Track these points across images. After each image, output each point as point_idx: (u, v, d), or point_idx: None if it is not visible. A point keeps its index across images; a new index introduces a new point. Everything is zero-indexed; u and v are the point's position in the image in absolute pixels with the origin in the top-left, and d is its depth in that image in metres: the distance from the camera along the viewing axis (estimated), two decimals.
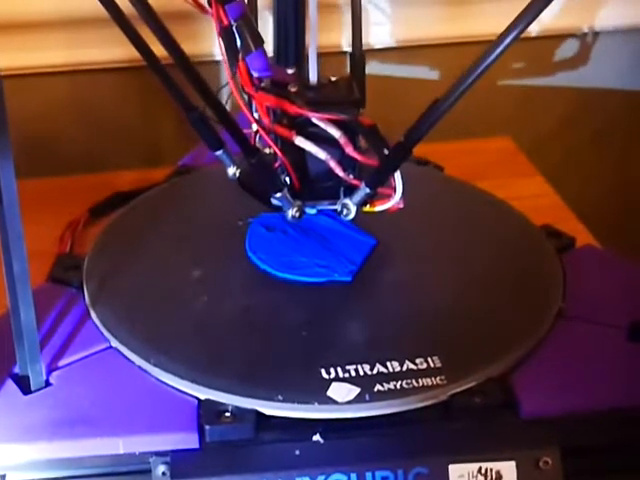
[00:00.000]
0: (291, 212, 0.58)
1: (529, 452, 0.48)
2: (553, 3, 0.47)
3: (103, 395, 0.52)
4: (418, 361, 0.53)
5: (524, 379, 0.52)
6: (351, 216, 0.58)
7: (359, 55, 0.64)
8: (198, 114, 0.56)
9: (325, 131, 0.56)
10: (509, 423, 0.51)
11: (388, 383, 0.51)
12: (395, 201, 0.57)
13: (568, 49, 0.96)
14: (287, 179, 0.58)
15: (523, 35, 0.48)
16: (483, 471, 0.48)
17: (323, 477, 0.48)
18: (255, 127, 0.58)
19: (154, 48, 0.55)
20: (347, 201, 0.58)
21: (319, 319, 0.57)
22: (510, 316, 0.57)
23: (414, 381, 0.51)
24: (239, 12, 0.53)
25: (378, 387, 0.51)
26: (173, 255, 0.63)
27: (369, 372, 0.52)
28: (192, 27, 0.74)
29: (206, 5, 0.53)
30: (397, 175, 0.56)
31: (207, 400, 0.51)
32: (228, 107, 0.57)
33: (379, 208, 0.58)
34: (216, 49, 0.54)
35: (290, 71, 0.59)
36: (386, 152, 0.55)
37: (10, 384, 0.52)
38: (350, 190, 0.58)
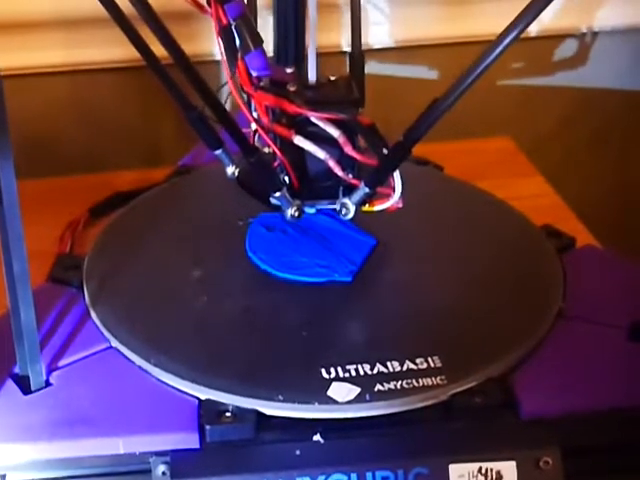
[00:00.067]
0: (290, 211, 0.58)
1: (529, 452, 0.48)
2: (552, 3, 0.47)
3: (103, 395, 0.52)
4: (418, 361, 0.53)
5: (524, 379, 0.52)
6: (350, 215, 0.58)
7: (358, 54, 0.64)
8: (197, 113, 0.56)
9: (324, 130, 0.56)
10: (509, 423, 0.51)
11: (388, 383, 0.51)
12: (394, 201, 0.57)
13: (567, 49, 0.96)
14: (286, 178, 0.58)
15: (522, 35, 0.48)
16: (483, 471, 0.48)
17: (323, 477, 0.48)
18: (254, 126, 0.58)
19: (154, 48, 0.55)
20: (346, 200, 0.58)
21: (319, 319, 0.57)
22: (510, 316, 0.57)
23: (414, 381, 0.51)
24: (238, 11, 0.53)
25: (378, 387, 0.51)
26: (173, 255, 0.63)
27: (369, 372, 0.52)
28: (192, 27, 0.74)
29: (205, 5, 0.53)
30: (396, 175, 0.56)
31: (207, 400, 0.51)
32: (228, 107, 0.57)
33: (378, 208, 0.58)
34: (216, 49, 0.54)
35: (289, 70, 0.59)
36: (385, 152, 0.55)
37: (10, 384, 0.52)
38: (349, 189, 0.58)
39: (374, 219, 0.59)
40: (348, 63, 0.64)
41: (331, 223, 0.63)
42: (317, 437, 0.49)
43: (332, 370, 0.52)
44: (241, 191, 0.60)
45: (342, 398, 0.50)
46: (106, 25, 0.55)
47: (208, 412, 0.50)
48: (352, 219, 0.60)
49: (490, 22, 0.83)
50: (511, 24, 0.48)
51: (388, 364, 0.52)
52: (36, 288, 0.52)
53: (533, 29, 0.89)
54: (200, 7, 0.53)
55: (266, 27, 0.62)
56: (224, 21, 0.53)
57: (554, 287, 0.60)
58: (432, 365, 0.52)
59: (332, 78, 0.59)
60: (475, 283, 0.60)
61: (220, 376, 0.52)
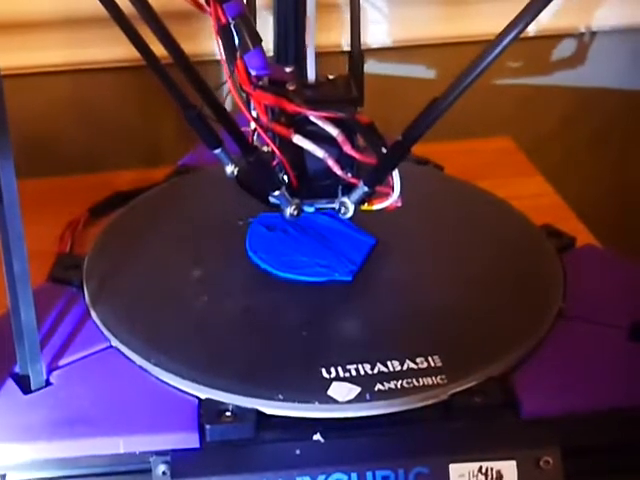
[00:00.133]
0: (289, 210, 0.58)
1: (530, 452, 0.48)
2: (552, 3, 0.47)
3: (103, 395, 0.52)
4: (419, 360, 0.53)
5: (524, 379, 0.52)
6: (349, 214, 0.58)
7: (357, 53, 0.64)
8: (196, 112, 0.56)
9: (323, 129, 0.56)
10: (509, 423, 0.51)
11: (389, 382, 0.51)
12: (393, 200, 0.57)
13: (567, 49, 0.96)
14: (285, 177, 0.58)
15: (522, 35, 0.48)
16: (484, 470, 0.48)
17: (324, 477, 0.48)
18: (253, 125, 0.58)
19: (153, 47, 0.55)
20: (345, 199, 0.58)
21: (319, 319, 0.57)
22: (510, 316, 0.57)
23: (414, 380, 0.51)
24: (237, 10, 0.53)
25: (379, 386, 0.51)
26: (173, 255, 0.63)
27: (369, 371, 0.52)
28: (192, 26, 0.74)
29: (204, 4, 0.53)
30: (395, 174, 0.56)
31: (207, 399, 0.51)
32: (228, 106, 0.57)
33: (377, 207, 0.58)
34: (216, 48, 0.54)
35: (288, 69, 0.59)
36: (384, 151, 0.55)
37: (10, 384, 0.52)
38: (348, 188, 0.58)
39: (374, 219, 0.59)
40: (347, 62, 0.64)
41: (331, 223, 0.63)
42: (317, 436, 0.49)
43: (332, 370, 0.52)
44: (241, 191, 0.60)
45: (342, 398, 0.50)
46: (107, 25, 0.55)
47: (208, 411, 0.50)
48: (352, 218, 0.60)
49: (488, 22, 0.84)
50: (510, 24, 0.48)
51: (388, 364, 0.52)
52: (36, 288, 0.52)
53: (532, 29, 0.89)
54: (199, 6, 0.53)
55: (265, 27, 0.62)
56: (223, 20, 0.53)
57: (554, 287, 0.60)
58: (432, 365, 0.52)
59: (331, 77, 0.59)
60: (475, 283, 0.60)
61: (220, 376, 0.52)
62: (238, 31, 0.54)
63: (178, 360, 0.53)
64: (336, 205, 0.58)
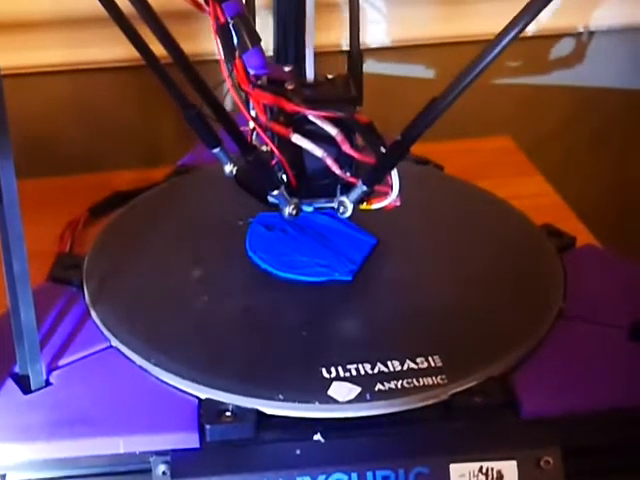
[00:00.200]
0: (288, 210, 0.58)
1: (530, 452, 0.48)
2: (551, 2, 0.47)
3: (103, 395, 0.52)
4: (419, 360, 0.53)
5: (525, 379, 0.52)
6: (348, 214, 0.58)
7: (356, 53, 0.64)
8: (195, 112, 0.56)
9: (322, 129, 0.56)
10: (510, 423, 0.50)
11: (389, 382, 0.51)
12: (392, 199, 0.57)
13: (567, 48, 0.96)
14: (284, 177, 0.58)
15: (522, 34, 0.48)
16: (484, 470, 0.48)
17: (324, 477, 0.48)
18: (252, 125, 0.58)
19: (153, 47, 0.55)
20: (344, 199, 0.58)
21: (319, 318, 0.57)
22: (511, 316, 0.57)
23: (415, 380, 0.51)
24: (236, 10, 0.53)
25: (379, 386, 0.51)
26: (173, 255, 0.63)
27: (370, 371, 0.52)
28: (192, 26, 0.74)
29: (203, 3, 0.53)
30: (394, 173, 0.56)
31: (207, 399, 0.51)
32: (228, 105, 0.57)
33: (376, 206, 0.58)
34: (215, 48, 0.54)
35: (287, 69, 0.59)
36: (383, 150, 0.55)
37: (10, 384, 0.52)
38: (347, 188, 0.58)
39: (374, 218, 0.59)
40: (346, 61, 0.64)
41: (331, 222, 0.63)
42: (317, 436, 0.49)
43: (332, 369, 0.52)
44: (241, 190, 0.60)
45: (342, 397, 0.50)
46: (106, 24, 0.55)
47: (208, 411, 0.50)
48: (352, 218, 0.60)
49: (487, 22, 0.84)
50: (510, 24, 0.48)
51: (388, 363, 0.52)
52: (36, 288, 0.52)
53: (531, 28, 0.89)
54: (199, 6, 0.53)
55: (265, 27, 0.62)
56: (222, 19, 0.53)
57: (554, 287, 0.60)
58: (432, 365, 0.52)
59: (330, 77, 0.59)
60: (475, 282, 0.60)
61: (220, 375, 0.51)
62: (237, 30, 0.54)
63: (178, 360, 0.53)
64: (335, 204, 0.58)
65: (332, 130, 0.56)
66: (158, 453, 0.48)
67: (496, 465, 0.48)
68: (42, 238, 0.65)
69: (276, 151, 0.57)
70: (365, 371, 0.52)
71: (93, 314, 0.58)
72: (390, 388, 0.51)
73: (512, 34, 0.48)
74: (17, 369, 0.52)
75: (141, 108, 0.89)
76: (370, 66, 0.89)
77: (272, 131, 0.57)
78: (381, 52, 0.90)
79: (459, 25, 0.90)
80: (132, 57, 0.57)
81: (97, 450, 0.49)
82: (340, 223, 0.62)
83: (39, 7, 0.80)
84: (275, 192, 0.57)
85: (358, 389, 0.51)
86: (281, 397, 0.50)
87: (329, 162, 0.56)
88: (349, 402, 0.50)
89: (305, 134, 0.56)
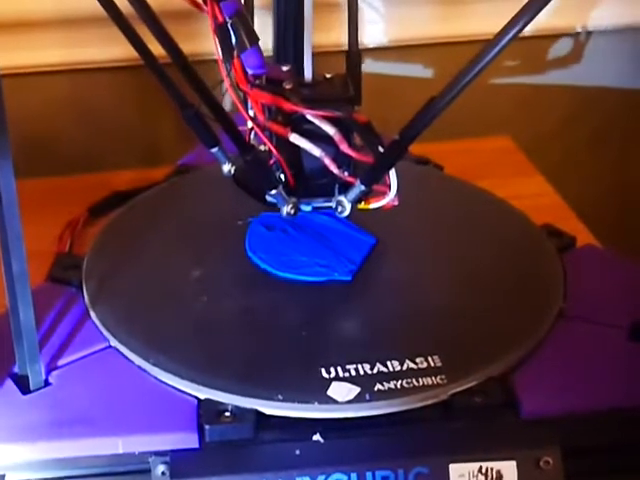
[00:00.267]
0: (286, 209, 0.58)
1: (530, 452, 0.48)
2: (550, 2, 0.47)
3: (102, 395, 0.52)
4: (418, 360, 0.53)
5: (525, 379, 0.52)
6: (346, 213, 0.58)
7: (355, 52, 0.64)
8: (193, 111, 0.56)
9: (320, 128, 0.56)
10: (510, 423, 0.50)
11: (388, 382, 0.51)
12: (390, 198, 0.57)
13: (566, 48, 0.96)
14: (282, 176, 0.58)
15: (522, 34, 0.48)
16: (484, 471, 0.48)
17: (323, 477, 0.48)
18: (250, 124, 0.58)
19: (151, 47, 0.55)
20: (342, 198, 0.58)
21: (319, 318, 0.57)
22: (510, 315, 0.57)
23: (414, 380, 0.51)
24: (234, 9, 0.53)
25: (378, 386, 0.51)
26: (173, 255, 0.63)
27: (369, 371, 0.52)
28: (192, 26, 0.73)
29: (202, 3, 0.53)
30: (392, 172, 0.56)
31: (207, 400, 0.51)
32: (227, 105, 0.57)
33: (374, 205, 0.58)
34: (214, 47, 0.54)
35: (285, 68, 0.59)
36: (381, 150, 0.55)
37: (9, 384, 0.52)
38: (345, 187, 0.58)
39: (374, 218, 0.59)
40: (345, 61, 0.64)
41: (331, 222, 0.63)
42: (317, 437, 0.49)
43: (332, 370, 0.52)
44: (240, 190, 0.60)
45: (342, 398, 0.50)
46: (105, 24, 0.55)
47: (207, 412, 0.50)
48: (352, 218, 0.60)
49: (485, 22, 0.84)
50: (508, 24, 0.48)
51: (388, 363, 0.52)
52: (35, 288, 0.52)
53: (529, 28, 0.89)
54: (197, 5, 0.53)
55: (264, 27, 0.62)
56: (220, 19, 0.53)
57: (554, 287, 0.60)
58: (432, 364, 0.52)
59: (328, 76, 0.59)
60: (475, 282, 0.60)
61: (219, 376, 0.51)
62: (235, 30, 0.53)
63: (177, 360, 0.53)
64: (333, 204, 0.58)
65: (330, 129, 0.56)
66: (157, 453, 0.48)
67: (496, 465, 0.48)
68: (41, 238, 0.65)
69: (274, 150, 0.57)
70: (364, 371, 0.52)
71: (92, 314, 0.58)
72: (390, 388, 0.51)
73: (511, 34, 0.47)
74: (16, 369, 0.52)
75: (140, 108, 0.89)
76: (368, 66, 0.89)
77: (270, 131, 0.57)
78: (379, 52, 0.90)
79: (457, 25, 0.90)
80: (131, 57, 0.57)
81: (96, 450, 0.49)
82: (339, 223, 0.62)
83: (38, 7, 0.80)
84: (273, 191, 0.57)
85: (357, 389, 0.51)
86: (280, 397, 0.50)
87: (327, 161, 0.56)
88: (348, 402, 0.50)
89: (303, 133, 0.56)
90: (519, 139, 0.87)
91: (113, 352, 0.55)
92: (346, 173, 0.57)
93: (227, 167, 0.59)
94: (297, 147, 0.56)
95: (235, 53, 0.54)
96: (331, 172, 0.57)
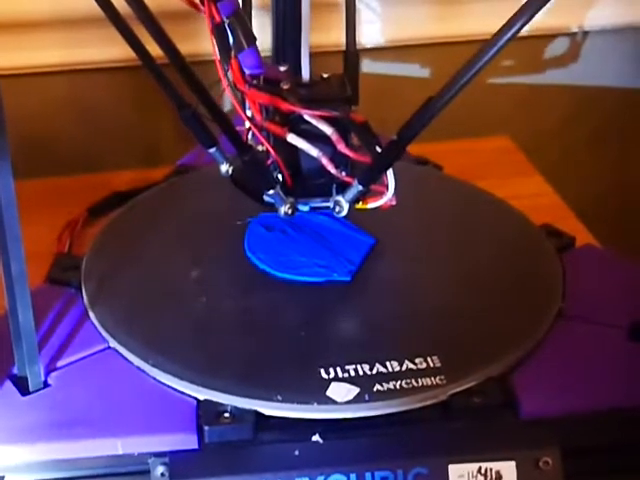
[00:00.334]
0: (283, 209, 0.58)
1: (529, 452, 0.48)
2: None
3: (101, 396, 0.51)
4: (417, 361, 0.53)
5: (524, 379, 0.52)
6: (344, 213, 0.58)
7: (353, 52, 0.64)
8: (191, 112, 0.56)
9: (317, 128, 0.56)
10: (509, 423, 0.50)
11: (387, 383, 0.51)
12: (388, 198, 0.57)
13: (565, 48, 0.96)
14: (279, 176, 0.58)
15: (521, 34, 0.48)
16: (483, 471, 0.48)
17: (322, 477, 0.47)
18: (248, 124, 0.58)
19: (149, 47, 0.55)
20: (339, 198, 0.58)
21: (318, 319, 0.57)
22: (510, 316, 0.57)
23: (413, 381, 0.51)
24: (231, 9, 0.53)
25: (377, 387, 0.51)
26: (172, 255, 0.63)
27: (368, 372, 0.52)
28: (190, 26, 0.73)
29: (199, 3, 0.53)
30: (389, 172, 0.56)
31: (206, 401, 0.51)
32: (226, 105, 0.57)
33: (372, 205, 0.58)
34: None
35: (282, 68, 0.59)
36: (379, 149, 0.55)
37: (8, 385, 0.52)
38: (342, 187, 0.58)
39: (373, 218, 0.59)
40: (343, 61, 0.64)
41: (330, 223, 0.63)
42: (316, 437, 0.49)
43: (331, 370, 0.52)
44: (239, 191, 0.60)
45: (341, 398, 0.50)
46: (103, 25, 0.55)
47: (207, 413, 0.50)
48: (351, 218, 0.60)
49: (482, 22, 0.84)
50: (506, 24, 0.48)
51: (387, 364, 0.52)
52: (34, 289, 0.52)
53: (527, 28, 0.89)
54: (194, 5, 0.53)
55: (263, 27, 0.62)
56: (217, 19, 0.53)
57: (554, 287, 0.60)
58: (431, 365, 0.52)
59: (325, 76, 0.59)
60: (474, 282, 0.60)
61: (219, 376, 0.51)
62: (232, 30, 0.54)
63: (176, 361, 0.53)
64: (330, 204, 0.58)
65: (327, 129, 0.56)
66: (157, 454, 0.48)
67: (495, 466, 0.48)
68: (40, 239, 0.64)
69: (272, 151, 0.57)
70: (364, 372, 0.52)
71: (91, 315, 0.57)
72: (389, 389, 0.51)
73: (509, 34, 0.47)
74: (15, 370, 0.52)
75: (139, 108, 0.89)
76: (365, 66, 0.89)
77: (268, 131, 0.57)
78: (376, 52, 0.90)
79: (454, 25, 0.90)
80: (130, 57, 0.57)
81: (95, 451, 0.49)
82: (339, 223, 0.62)
83: (36, 7, 0.80)
84: (271, 192, 0.57)
85: (357, 390, 0.51)
86: (279, 398, 0.50)
87: (324, 161, 0.56)
88: (348, 403, 0.50)
89: (300, 133, 0.56)
90: (518, 139, 0.87)
91: (112, 353, 0.55)
92: (344, 173, 0.57)
93: (225, 167, 0.59)
94: (295, 147, 0.56)
95: (233, 53, 0.54)
96: (329, 172, 0.57)
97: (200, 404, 0.50)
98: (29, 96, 0.85)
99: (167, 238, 0.64)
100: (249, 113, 0.57)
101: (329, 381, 0.51)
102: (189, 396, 0.51)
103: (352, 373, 0.52)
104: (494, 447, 0.49)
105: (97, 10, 0.53)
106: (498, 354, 0.54)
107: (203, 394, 0.51)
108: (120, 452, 0.49)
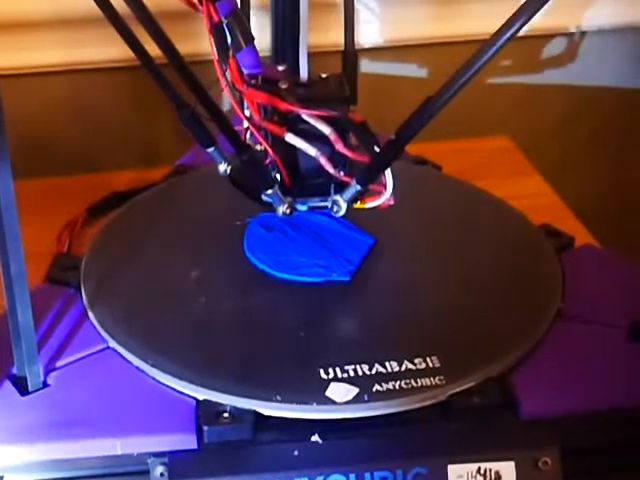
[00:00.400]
0: (282, 209, 0.58)
1: (528, 452, 0.48)
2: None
3: (101, 396, 0.51)
4: (417, 361, 0.53)
5: (523, 379, 0.52)
6: (342, 213, 0.58)
7: (351, 52, 0.64)
8: (189, 111, 0.56)
9: (315, 128, 0.56)
10: (508, 423, 0.50)
11: (387, 383, 0.51)
12: (386, 198, 0.57)
13: (560, 48, 0.96)
14: (278, 176, 0.58)
15: (520, 34, 0.48)
16: (482, 471, 0.48)
17: (322, 478, 0.47)
18: (246, 124, 0.58)
19: (148, 47, 0.55)
20: (338, 198, 0.58)
21: (317, 319, 0.57)
22: (509, 316, 0.57)
23: (413, 381, 0.51)
24: (229, 9, 0.53)
25: (377, 387, 0.51)
26: (171, 255, 0.63)
27: (368, 372, 0.52)
28: (189, 26, 0.74)
29: (197, 3, 0.53)
30: (388, 172, 0.56)
31: (205, 401, 0.51)
32: (225, 106, 0.57)
33: (370, 205, 0.58)
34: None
35: (281, 68, 0.59)
36: (377, 149, 0.55)
37: (8, 385, 0.52)
38: (341, 187, 0.58)
39: (372, 218, 0.59)
40: (341, 61, 0.64)
41: (329, 223, 0.63)
42: (315, 437, 0.49)
43: (330, 370, 0.52)
44: (238, 191, 0.60)
45: (340, 398, 0.50)
46: (103, 25, 0.55)
47: (206, 413, 0.50)
48: (351, 218, 0.60)
49: (480, 22, 0.84)
50: (505, 24, 0.48)
51: (386, 364, 0.52)
52: (33, 289, 0.52)
53: (529, 28, 0.89)
54: (193, 5, 0.53)
55: (262, 27, 0.62)
56: (215, 19, 0.53)
57: (553, 287, 0.60)
58: (431, 365, 0.52)
59: (323, 76, 0.59)
60: (474, 282, 0.60)
61: (218, 376, 0.51)
62: (230, 30, 0.54)
63: (176, 361, 0.53)
64: (329, 203, 0.58)
65: (325, 129, 0.56)
66: (156, 454, 0.48)
67: (494, 466, 0.48)
68: (39, 239, 0.64)
69: (270, 150, 0.57)
70: (363, 372, 0.52)
71: (90, 315, 0.57)
72: (388, 389, 0.51)
73: (508, 35, 0.47)
74: (14, 370, 0.52)
75: (139, 108, 0.89)
76: (364, 66, 0.89)
77: (266, 130, 0.57)
78: (375, 52, 0.90)
79: (452, 25, 0.90)
80: (129, 57, 0.57)
81: (94, 451, 0.49)
82: (338, 223, 0.62)
83: (36, 7, 0.80)
84: (269, 191, 0.57)
85: (356, 390, 0.51)
86: (279, 398, 0.50)
87: (323, 161, 0.56)
88: (347, 403, 0.50)
89: (299, 133, 0.56)
90: (517, 139, 0.87)
91: (111, 353, 0.55)
92: (342, 173, 0.57)
93: (223, 167, 0.59)
94: (293, 147, 0.56)
95: (231, 53, 0.54)
96: (327, 172, 0.57)
97: (199, 404, 0.50)
98: (28, 96, 0.84)
99: (166, 238, 0.64)
100: (247, 113, 0.57)
101: (328, 381, 0.51)
102: (188, 396, 0.51)
103: (351, 373, 0.52)
104: (493, 447, 0.49)
105: (96, 10, 0.53)
106: (497, 354, 0.53)
107: (202, 394, 0.51)
108: (119, 452, 0.49)
